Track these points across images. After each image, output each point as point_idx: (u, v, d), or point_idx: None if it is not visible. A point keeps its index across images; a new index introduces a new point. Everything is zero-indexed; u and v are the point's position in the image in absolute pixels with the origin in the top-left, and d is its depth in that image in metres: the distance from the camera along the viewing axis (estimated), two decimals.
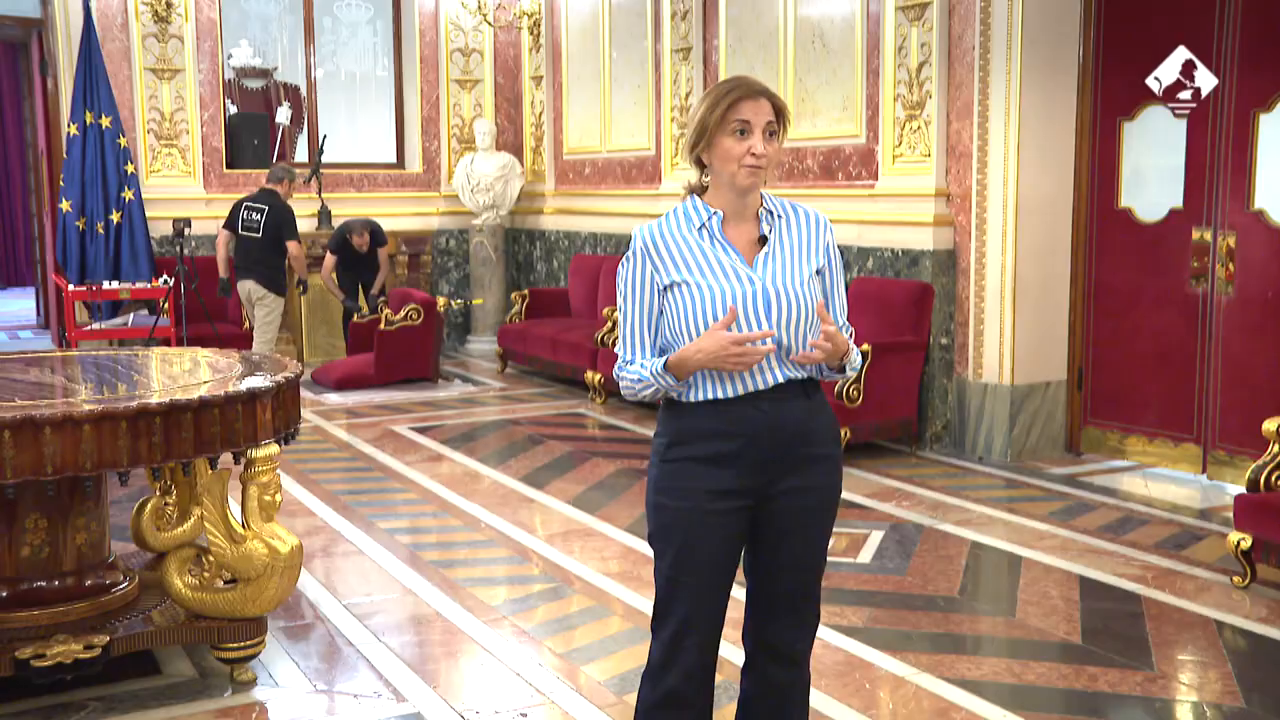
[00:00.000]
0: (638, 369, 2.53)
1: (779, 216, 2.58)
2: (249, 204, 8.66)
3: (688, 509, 2.51)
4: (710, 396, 2.49)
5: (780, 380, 2.51)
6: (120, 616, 3.74)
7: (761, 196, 2.57)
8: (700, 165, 2.56)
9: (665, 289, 2.52)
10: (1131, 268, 6.42)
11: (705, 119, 2.48)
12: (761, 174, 2.48)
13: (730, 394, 2.49)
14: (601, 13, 9.77)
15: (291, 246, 8.61)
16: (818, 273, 2.58)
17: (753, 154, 2.46)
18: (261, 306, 8.67)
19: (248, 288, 8.66)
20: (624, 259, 2.57)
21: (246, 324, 9.23)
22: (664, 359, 2.48)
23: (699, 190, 2.59)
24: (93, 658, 3.52)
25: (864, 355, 6.46)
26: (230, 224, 8.71)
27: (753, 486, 2.51)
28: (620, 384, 2.59)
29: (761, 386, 2.49)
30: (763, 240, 2.54)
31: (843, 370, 2.56)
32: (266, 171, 9.79)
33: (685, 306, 2.49)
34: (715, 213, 2.54)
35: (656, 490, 2.56)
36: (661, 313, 2.54)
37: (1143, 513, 5.62)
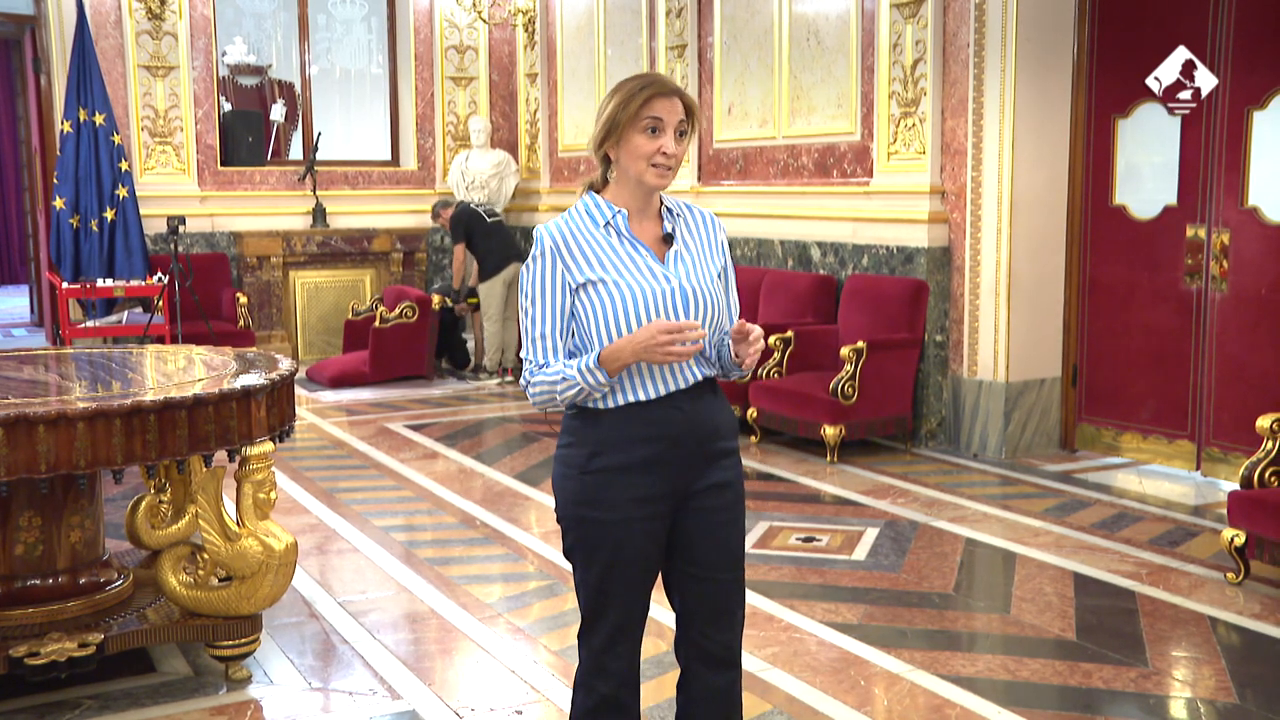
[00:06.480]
0: (559, 370, 2.41)
1: (677, 215, 2.56)
2: (476, 204, 9.50)
3: (615, 520, 2.46)
4: (632, 399, 2.44)
5: (698, 379, 2.50)
6: (114, 614, 3.73)
7: (659, 195, 2.53)
8: (606, 161, 2.50)
9: (577, 289, 2.43)
10: (1126, 264, 6.42)
11: (616, 114, 2.42)
12: (670, 175, 2.45)
13: (652, 395, 2.45)
14: (596, 10, 9.75)
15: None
16: (720, 273, 2.56)
17: (663, 153, 2.42)
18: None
19: (516, 270, 9.12)
20: (529, 260, 2.46)
21: (242, 322, 9.22)
22: (596, 353, 2.39)
23: (598, 187, 2.53)
24: (87, 656, 3.52)
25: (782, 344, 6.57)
26: (468, 231, 9.27)
27: (675, 489, 2.49)
28: (530, 391, 2.47)
29: (682, 385, 2.47)
30: (668, 239, 2.50)
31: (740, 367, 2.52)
32: (259, 169, 10.09)
33: (602, 306, 2.42)
34: (620, 210, 2.48)
35: (577, 504, 2.48)
36: (573, 314, 2.45)
37: (1137, 509, 5.63)
